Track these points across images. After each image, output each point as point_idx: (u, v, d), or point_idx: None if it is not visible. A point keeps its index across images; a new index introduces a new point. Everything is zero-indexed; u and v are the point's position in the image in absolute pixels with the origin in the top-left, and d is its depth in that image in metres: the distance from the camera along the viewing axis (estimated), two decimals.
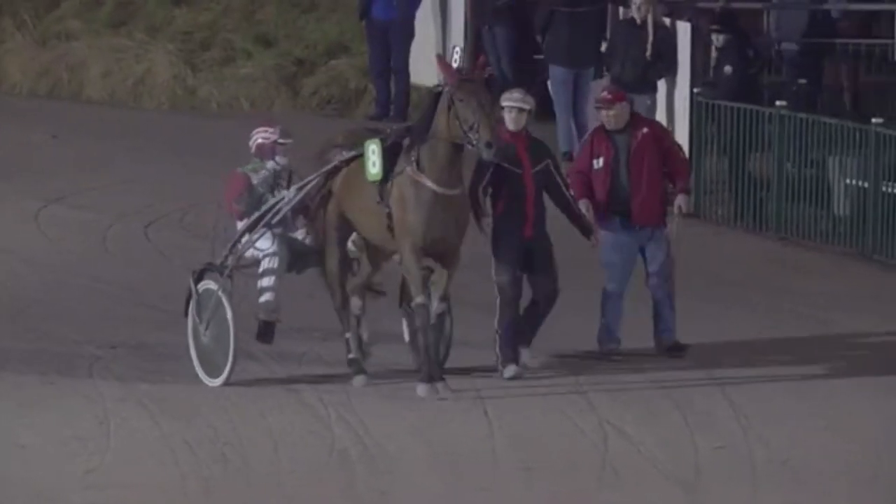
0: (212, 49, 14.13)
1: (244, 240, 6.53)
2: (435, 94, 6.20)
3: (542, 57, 11.78)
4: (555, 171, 6.55)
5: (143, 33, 14.18)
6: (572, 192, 6.60)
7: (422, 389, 6.11)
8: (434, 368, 6.13)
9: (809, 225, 9.71)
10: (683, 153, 7.56)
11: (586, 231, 6.62)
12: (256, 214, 6.47)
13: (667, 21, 10.91)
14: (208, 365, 6.52)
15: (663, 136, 7.23)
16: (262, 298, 6.47)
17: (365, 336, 6.55)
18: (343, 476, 5.36)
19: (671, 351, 6.98)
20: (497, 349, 6.45)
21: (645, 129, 6.92)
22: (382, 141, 6.16)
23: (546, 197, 6.54)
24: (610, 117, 6.80)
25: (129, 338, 7.42)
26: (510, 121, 6.41)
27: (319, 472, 5.43)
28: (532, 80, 11.17)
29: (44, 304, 8.16)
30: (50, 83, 14.07)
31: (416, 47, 13.01)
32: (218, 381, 6.45)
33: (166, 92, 13.87)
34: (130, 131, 12.87)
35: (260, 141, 6.62)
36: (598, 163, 6.73)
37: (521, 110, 6.39)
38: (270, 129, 6.65)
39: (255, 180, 6.56)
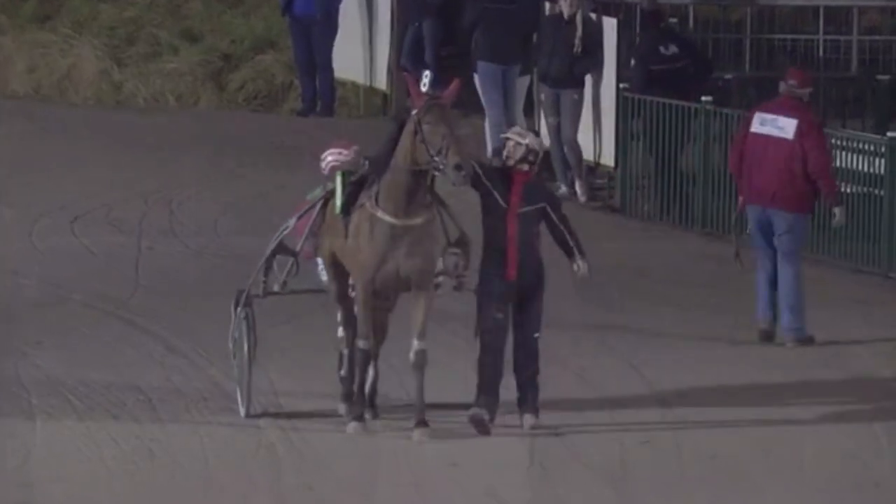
0: (137, 44, 13.97)
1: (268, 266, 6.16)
2: (399, 121, 5.95)
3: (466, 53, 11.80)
4: (553, 213, 6.02)
5: (69, 28, 13.98)
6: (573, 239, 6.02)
7: (352, 427, 5.81)
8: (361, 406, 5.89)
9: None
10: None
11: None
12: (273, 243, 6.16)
13: (593, 16, 11.02)
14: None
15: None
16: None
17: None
18: (270, 471, 5.36)
19: None
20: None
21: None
22: (347, 174, 5.89)
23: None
24: None
25: (54, 334, 7.31)
26: (506, 152, 6.09)
27: (246, 466, 5.42)
28: (460, 75, 11.19)
29: None
30: None
31: (341, 43, 12.99)
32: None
33: (92, 87, 13.70)
34: (56, 126, 12.67)
35: (334, 163, 6.05)
36: None
37: (518, 144, 6.00)
38: (345, 151, 6.11)
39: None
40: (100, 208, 10.12)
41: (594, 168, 11.14)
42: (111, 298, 8.05)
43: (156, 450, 5.52)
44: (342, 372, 6.06)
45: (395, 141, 5.81)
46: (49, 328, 7.42)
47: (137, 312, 7.79)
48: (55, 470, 5.30)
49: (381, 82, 13.21)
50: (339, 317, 6.14)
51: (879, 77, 11.79)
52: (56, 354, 6.93)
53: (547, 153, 8.91)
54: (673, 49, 10.67)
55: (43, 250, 9.22)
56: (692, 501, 5.17)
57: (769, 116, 7.53)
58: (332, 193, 6.03)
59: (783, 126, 7.43)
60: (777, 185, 7.37)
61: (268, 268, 6.17)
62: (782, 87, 7.71)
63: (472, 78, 11.00)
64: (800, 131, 7.37)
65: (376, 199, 5.76)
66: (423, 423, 5.73)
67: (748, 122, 7.72)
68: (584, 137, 10.85)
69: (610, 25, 10.98)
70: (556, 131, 10.77)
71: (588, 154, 10.91)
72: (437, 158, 5.59)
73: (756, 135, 7.56)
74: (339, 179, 5.93)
